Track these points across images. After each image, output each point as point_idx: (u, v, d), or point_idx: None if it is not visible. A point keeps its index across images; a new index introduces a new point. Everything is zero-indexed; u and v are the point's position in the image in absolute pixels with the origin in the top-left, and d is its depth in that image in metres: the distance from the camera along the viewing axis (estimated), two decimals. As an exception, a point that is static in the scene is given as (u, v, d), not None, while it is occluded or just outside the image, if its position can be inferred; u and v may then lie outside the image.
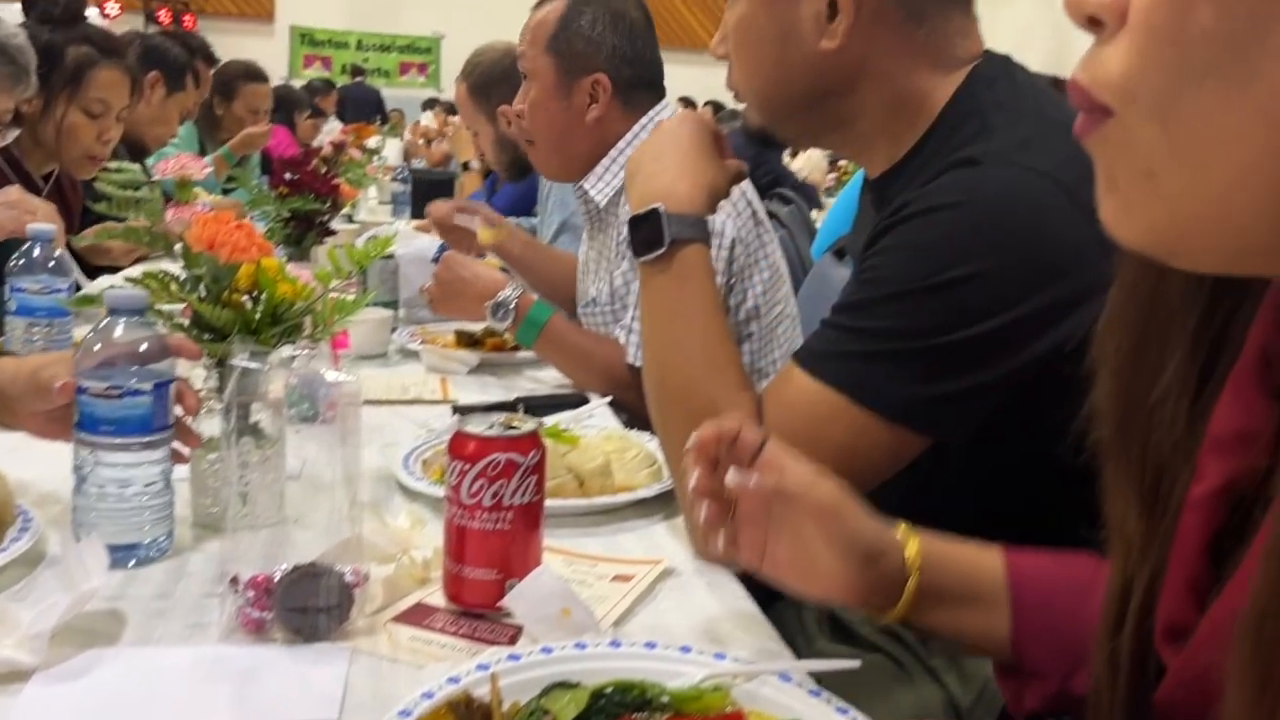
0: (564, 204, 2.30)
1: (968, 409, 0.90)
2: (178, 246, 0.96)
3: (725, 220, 1.56)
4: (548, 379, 1.69)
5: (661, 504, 1.10)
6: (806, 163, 6.39)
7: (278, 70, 10.62)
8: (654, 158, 1.06)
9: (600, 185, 1.74)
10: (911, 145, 0.99)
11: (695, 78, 10.77)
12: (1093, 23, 0.44)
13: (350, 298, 1.07)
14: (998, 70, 1.00)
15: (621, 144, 1.73)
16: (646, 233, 1.01)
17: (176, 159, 0.99)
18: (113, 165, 0.98)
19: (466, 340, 1.82)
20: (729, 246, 1.56)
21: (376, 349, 1.77)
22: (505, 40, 2.76)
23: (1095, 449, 0.59)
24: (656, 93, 1.77)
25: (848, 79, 0.99)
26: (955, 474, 0.97)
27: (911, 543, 0.76)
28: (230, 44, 12.75)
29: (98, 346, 0.91)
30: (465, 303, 1.66)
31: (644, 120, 1.74)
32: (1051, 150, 0.89)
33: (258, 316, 0.97)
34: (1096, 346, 0.58)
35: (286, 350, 0.95)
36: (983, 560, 0.78)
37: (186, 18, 11.28)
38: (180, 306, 1.02)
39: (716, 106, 9.18)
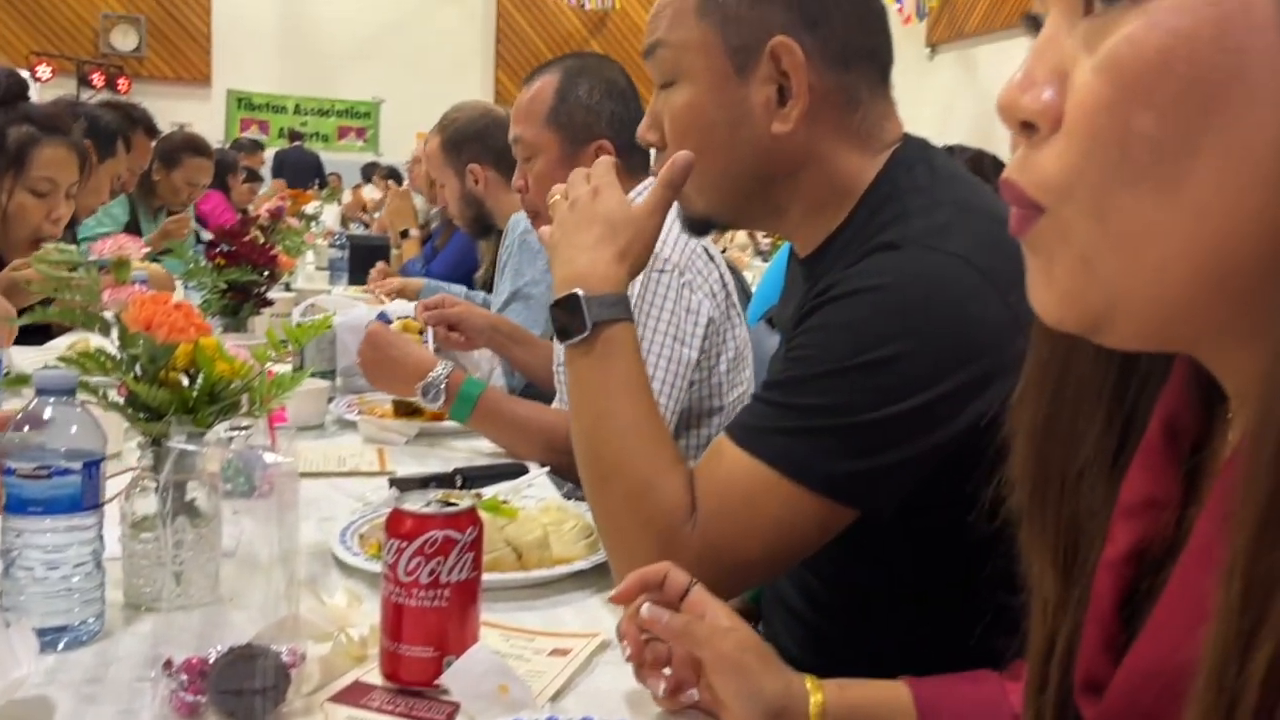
0: (519, 273, 2.32)
1: (892, 482, 0.93)
2: (113, 328, 0.96)
3: (702, 300, 1.58)
4: (485, 448, 1.70)
5: (599, 575, 1.12)
6: (731, 244, 6.52)
7: (214, 134, 10.56)
8: (568, 238, 1.06)
9: None
10: (837, 226, 1.03)
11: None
12: (1026, 127, 0.47)
13: (287, 370, 1.07)
14: (916, 154, 1.04)
15: None
16: (568, 318, 1.01)
17: (114, 239, 1.00)
18: (50, 245, 0.98)
19: (404, 410, 1.82)
20: (705, 324, 1.58)
21: (313, 420, 1.77)
22: (482, 101, 2.82)
23: (1010, 515, 0.63)
24: (646, 156, 1.81)
25: (793, 162, 1.02)
26: (883, 544, 0.99)
27: (816, 695, 0.78)
28: (166, 107, 12.64)
29: (26, 427, 0.91)
30: (394, 382, 1.67)
31: (647, 181, 1.76)
32: (968, 234, 0.94)
33: (195, 395, 0.97)
34: (1012, 418, 0.61)
35: (223, 429, 0.96)
36: (889, 697, 0.80)
37: (121, 81, 11.20)
38: (109, 380, 1.01)
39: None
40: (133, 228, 3.81)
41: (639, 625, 0.80)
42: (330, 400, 1.86)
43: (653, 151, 1.11)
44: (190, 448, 0.87)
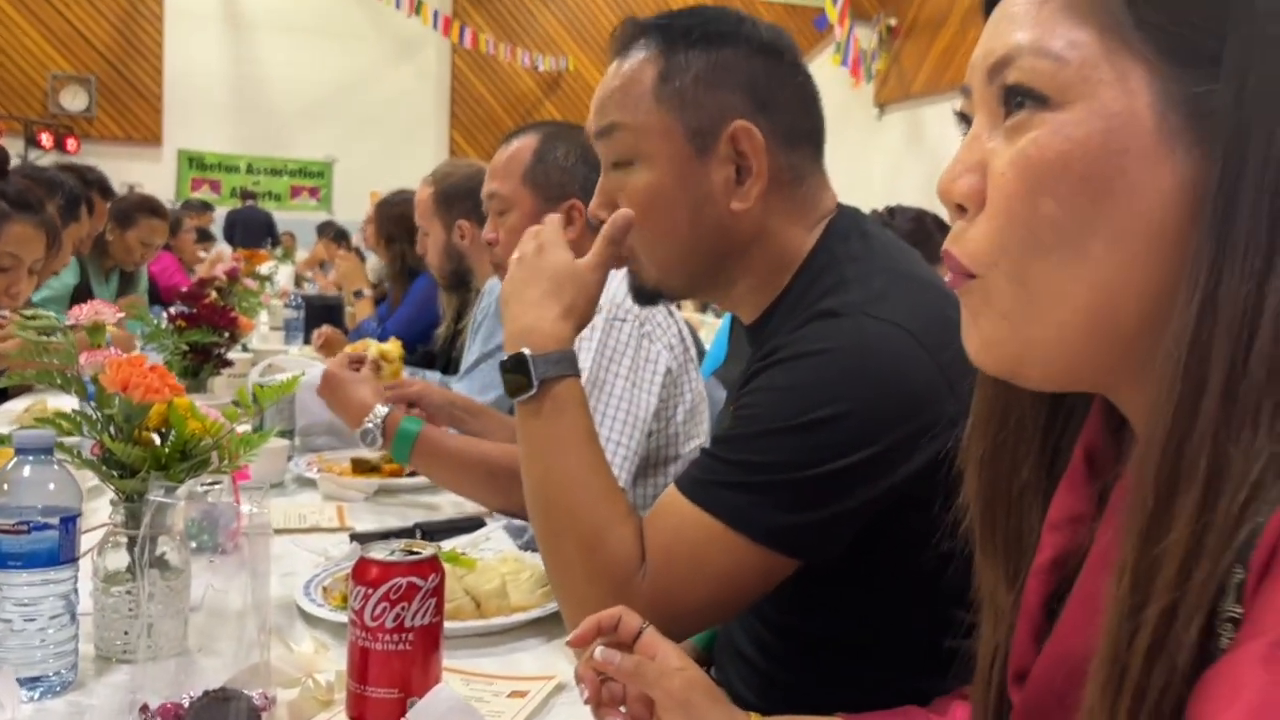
0: (490, 337, 2.37)
1: (830, 534, 0.99)
2: (90, 387, 1.00)
3: (661, 351, 1.64)
4: (443, 504, 1.74)
5: (554, 622, 1.17)
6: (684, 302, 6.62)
7: (164, 194, 10.53)
8: (516, 294, 1.10)
9: None
10: (778, 294, 1.10)
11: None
12: (959, 208, 0.58)
13: (248, 430, 1.12)
14: (849, 224, 1.12)
15: None
16: (516, 376, 1.05)
17: (90, 305, 1.05)
18: (28, 311, 1.03)
19: (363, 467, 1.87)
20: (663, 374, 1.64)
21: (274, 478, 1.80)
22: (476, 161, 2.90)
23: (947, 560, 0.71)
24: None
25: (747, 238, 1.08)
26: (826, 595, 1.05)
27: None
28: (116, 167, 12.55)
29: (4, 485, 0.95)
30: (345, 422, 1.71)
31: None
32: (901, 301, 1.01)
33: (167, 452, 1.02)
34: (963, 451, 0.70)
35: (194, 484, 1.01)
36: None
37: (69, 141, 11.16)
38: (83, 440, 1.06)
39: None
40: (83, 290, 3.82)
41: (594, 667, 0.85)
42: (290, 458, 1.89)
43: None
44: (169, 500, 0.91)
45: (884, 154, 13.25)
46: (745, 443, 1.00)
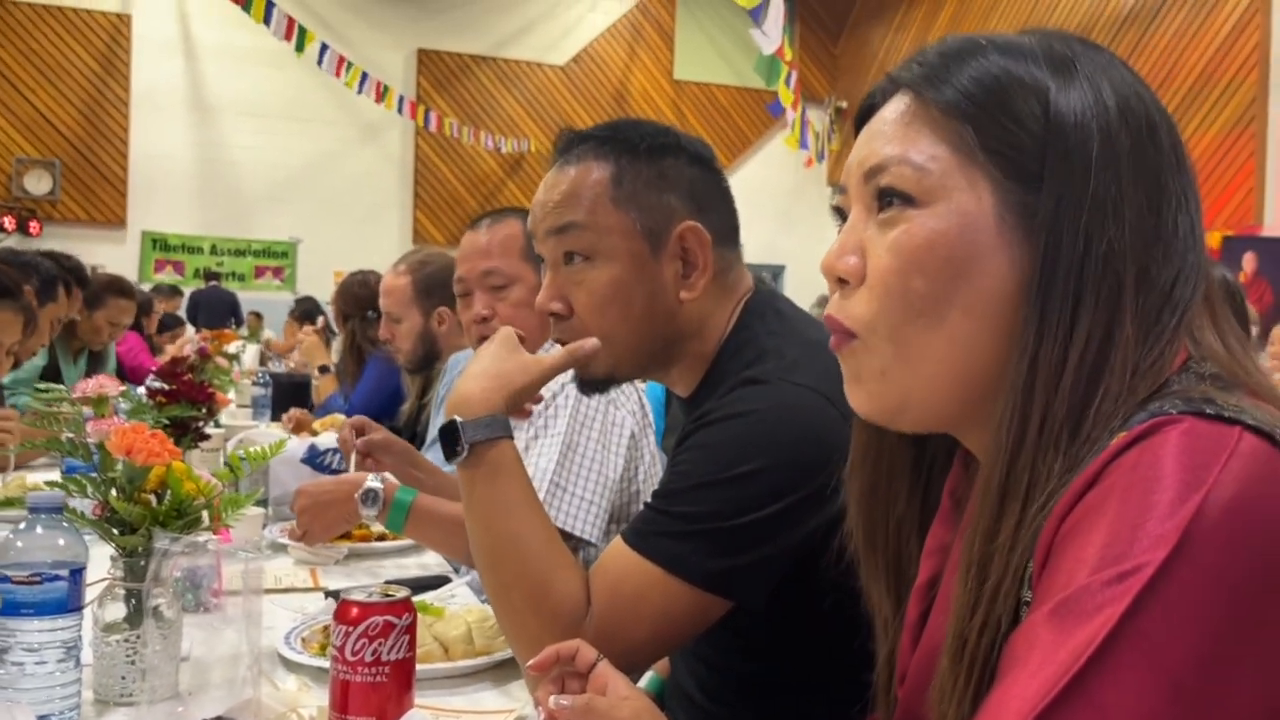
0: None
1: (757, 576, 1.10)
2: (95, 454, 1.12)
3: (625, 416, 1.78)
4: (410, 565, 1.85)
5: (515, 663, 1.27)
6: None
7: (128, 275, 10.59)
8: (465, 374, 1.18)
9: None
10: (707, 369, 1.23)
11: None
12: (841, 281, 0.73)
13: (235, 495, 1.24)
14: (764, 303, 1.26)
15: None
16: (450, 441, 1.11)
17: (95, 380, 1.17)
18: (42, 385, 1.15)
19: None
20: (628, 438, 1.77)
21: (249, 544, 1.90)
22: (450, 253, 3.03)
23: (851, 560, 0.86)
24: None
25: (691, 324, 1.22)
26: (759, 637, 1.17)
27: None
28: (80, 249, 12.53)
29: (20, 543, 1.06)
30: (335, 511, 1.69)
31: None
32: (813, 369, 1.14)
33: (164, 511, 1.13)
34: (845, 487, 0.84)
35: (189, 540, 1.12)
36: None
37: (32, 224, 11.22)
38: (87, 503, 1.17)
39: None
40: (52, 371, 3.90)
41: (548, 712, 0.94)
42: (264, 527, 1.99)
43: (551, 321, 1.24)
44: (175, 549, 1.03)
45: (837, 231, 13.60)
46: (680, 496, 1.12)
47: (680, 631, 1.11)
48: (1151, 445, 0.57)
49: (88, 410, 1.30)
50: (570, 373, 1.66)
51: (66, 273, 3.50)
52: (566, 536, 1.65)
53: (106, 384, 1.16)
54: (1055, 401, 0.63)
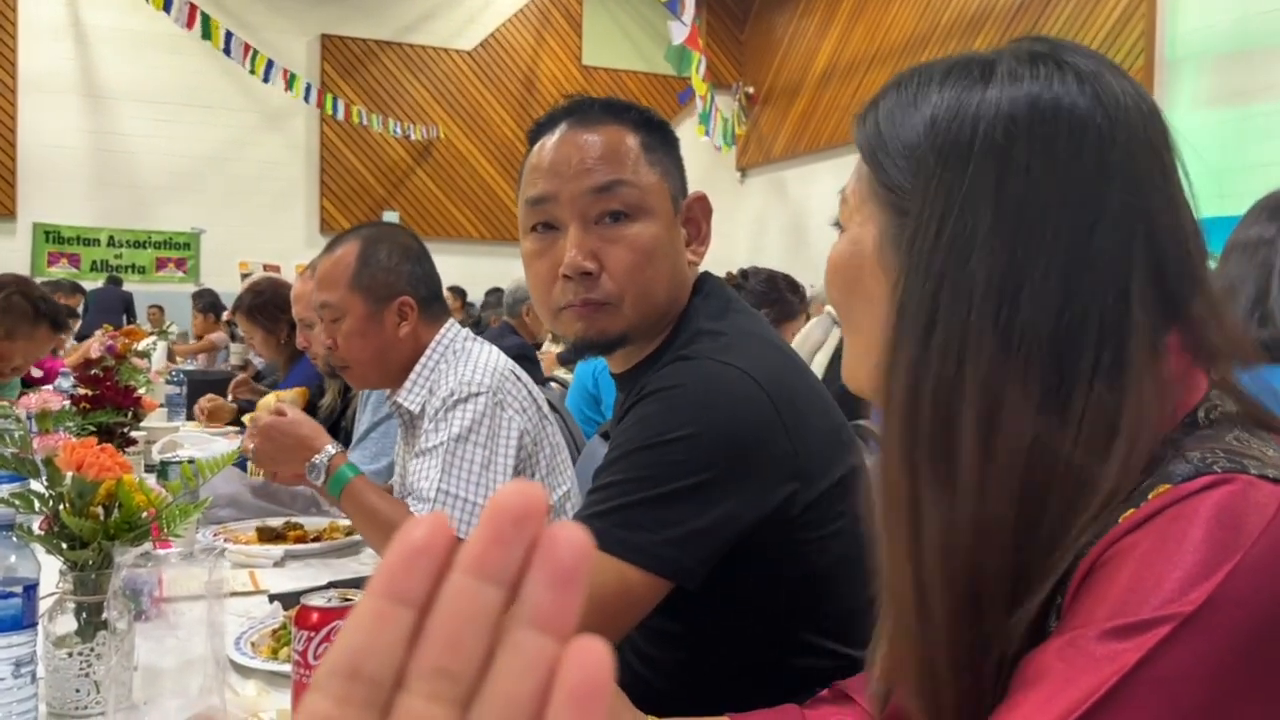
0: (380, 406, 2.50)
1: (688, 552, 1.11)
2: (43, 468, 1.12)
3: (514, 417, 1.83)
4: (347, 564, 1.87)
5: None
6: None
7: (20, 268, 10.20)
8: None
9: (411, 395, 1.94)
10: (654, 349, 1.27)
11: (462, 265, 11.24)
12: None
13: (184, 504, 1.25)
14: (712, 289, 1.30)
15: (426, 355, 1.95)
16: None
17: (40, 395, 1.16)
18: (-17, 402, 1.14)
19: (268, 535, 1.97)
20: (517, 438, 1.82)
21: (184, 548, 1.89)
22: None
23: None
24: (444, 305, 2.06)
25: (684, 293, 1.28)
26: (698, 625, 1.20)
27: None
28: (-32, 243, 12.02)
29: (-31, 560, 1.06)
30: (293, 458, 1.76)
31: (443, 330, 1.99)
32: (744, 353, 1.18)
33: (114, 524, 1.14)
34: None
35: (144, 552, 1.13)
36: None
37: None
38: (33, 517, 1.17)
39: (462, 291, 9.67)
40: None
41: None
42: (196, 530, 1.98)
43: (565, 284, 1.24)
44: (139, 563, 1.04)
45: (747, 216, 13.79)
46: (610, 466, 1.15)
47: (622, 617, 1.12)
48: (1194, 502, 0.57)
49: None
50: (458, 381, 1.83)
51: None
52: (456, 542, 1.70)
53: (50, 399, 1.15)
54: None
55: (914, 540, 0.66)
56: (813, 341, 3.41)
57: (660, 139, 1.28)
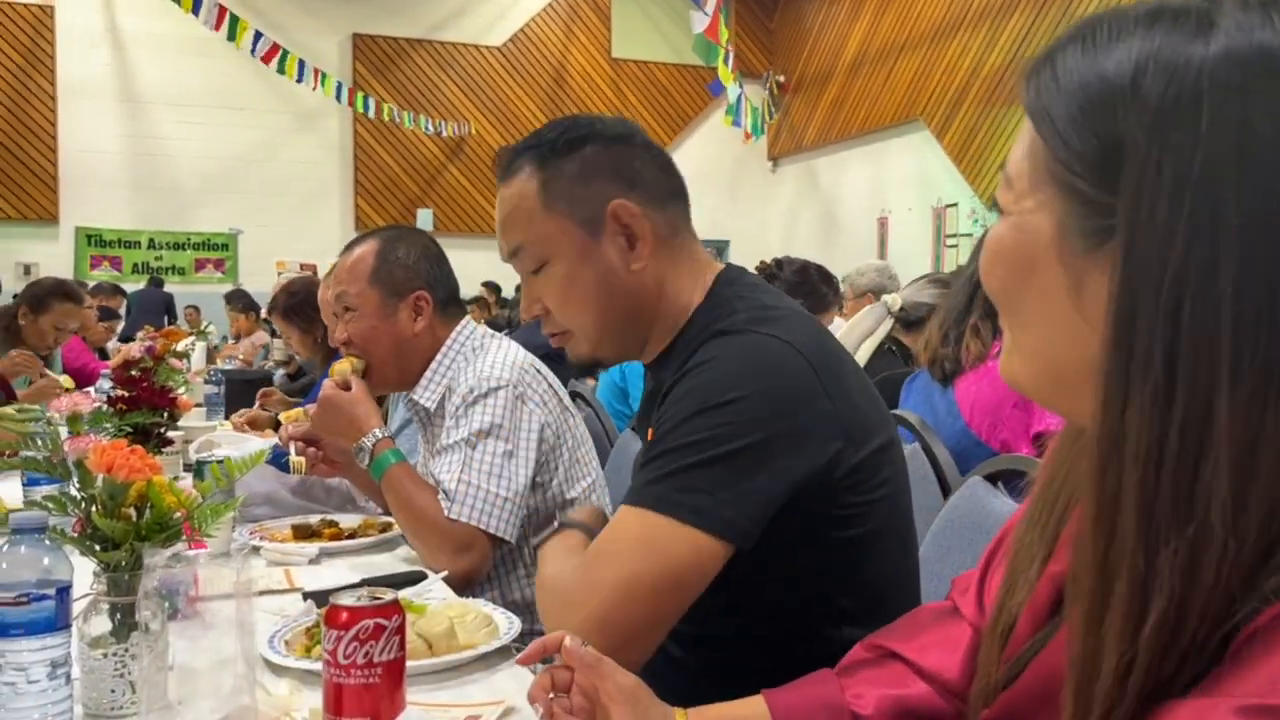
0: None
1: (748, 511, 1.11)
2: (74, 471, 1.13)
3: (534, 409, 1.84)
4: (383, 561, 1.87)
5: (499, 655, 1.31)
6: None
7: (64, 272, 10.36)
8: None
9: (427, 392, 1.97)
10: (675, 335, 1.29)
11: (495, 260, 11.28)
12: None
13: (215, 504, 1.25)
14: (735, 275, 1.33)
15: (443, 351, 1.97)
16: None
17: (68, 398, 1.17)
18: (12, 409, 1.15)
19: (304, 533, 1.98)
20: (538, 431, 1.83)
21: (220, 548, 1.90)
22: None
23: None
24: (461, 307, 2.06)
25: (649, 292, 1.29)
26: (739, 597, 1.20)
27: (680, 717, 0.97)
28: (11, 247, 12.29)
29: (4, 564, 1.06)
30: (337, 436, 1.94)
31: (460, 327, 2.00)
32: (782, 324, 1.21)
33: (145, 525, 1.14)
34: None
35: (176, 553, 1.13)
36: (747, 713, 1.00)
37: (-39, 223, 10.92)
38: (67, 519, 1.17)
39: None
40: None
41: (565, 656, 0.96)
42: (234, 529, 1.99)
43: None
44: (172, 565, 1.04)
45: (779, 205, 13.72)
46: (661, 439, 1.16)
47: (688, 584, 1.12)
48: None
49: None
50: (478, 377, 1.86)
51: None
52: (480, 534, 1.74)
53: (80, 401, 1.16)
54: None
55: (1139, 617, 0.58)
56: (862, 329, 3.36)
57: (570, 163, 1.28)
